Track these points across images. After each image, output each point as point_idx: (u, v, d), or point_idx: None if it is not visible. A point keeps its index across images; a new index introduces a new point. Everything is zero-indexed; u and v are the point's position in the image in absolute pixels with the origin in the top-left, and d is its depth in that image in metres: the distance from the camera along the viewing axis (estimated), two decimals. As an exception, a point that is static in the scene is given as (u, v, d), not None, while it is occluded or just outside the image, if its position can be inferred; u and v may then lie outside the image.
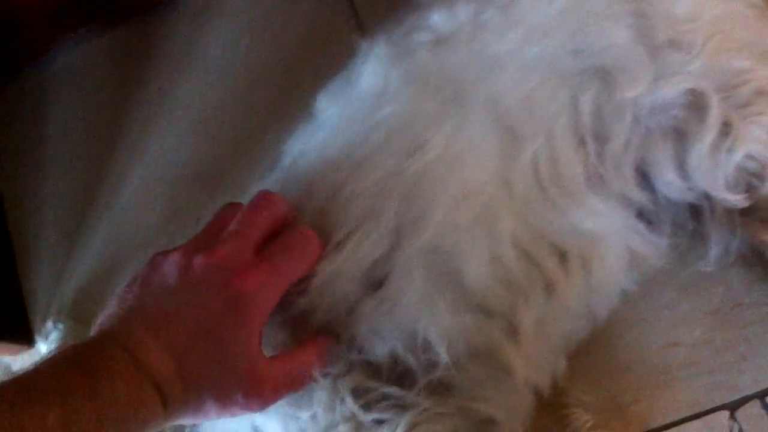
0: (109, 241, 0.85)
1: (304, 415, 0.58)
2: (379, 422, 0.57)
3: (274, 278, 0.52)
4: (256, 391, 0.50)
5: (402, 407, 0.58)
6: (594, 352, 0.69)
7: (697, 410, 0.66)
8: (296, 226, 0.56)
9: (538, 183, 0.58)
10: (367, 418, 0.57)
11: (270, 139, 0.82)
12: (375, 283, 0.57)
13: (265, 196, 0.56)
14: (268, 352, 0.54)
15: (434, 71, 0.60)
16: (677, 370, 0.68)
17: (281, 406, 0.57)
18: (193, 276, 0.50)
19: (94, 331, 0.49)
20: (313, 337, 0.56)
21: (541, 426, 0.66)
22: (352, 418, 0.57)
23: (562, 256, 0.60)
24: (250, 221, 0.54)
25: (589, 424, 0.67)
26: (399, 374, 0.59)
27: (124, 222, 0.85)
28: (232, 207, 0.58)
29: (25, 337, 0.83)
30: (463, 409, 0.59)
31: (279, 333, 0.59)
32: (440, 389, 0.59)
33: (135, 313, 0.49)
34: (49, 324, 0.84)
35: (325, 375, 0.58)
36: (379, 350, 0.58)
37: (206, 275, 0.50)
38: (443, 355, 0.57)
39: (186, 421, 0.51)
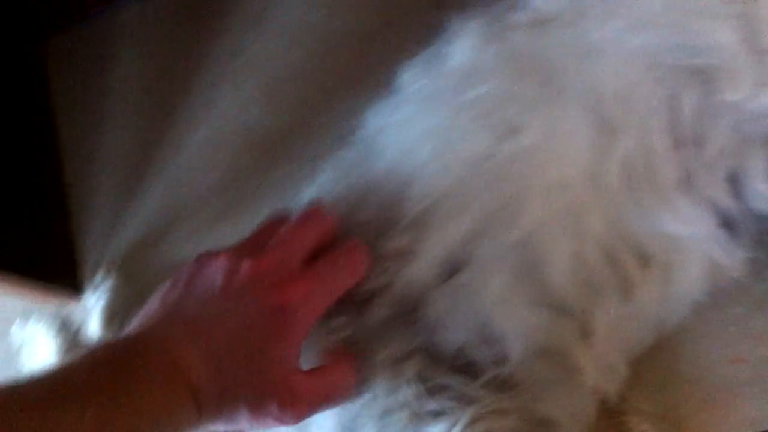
0: (165, 200, 0.83)
1: (362, 399, 0.55)
2: (440, 413, 0.54)
3: (319, 292, 0.51)
4: (291, 404, 0.48)
5: (464, 400, 0.55)
6: (656, 360, 0.66)
7: (755, 429, 0.63)
8: (346, 240, 0.54)
9: (628, 181, 0.55)
10: (428, 406, 0.54)
11: (339, 113, 0.78)
12: (453, 268, 0.53)
13: (316, 209, 0.55)
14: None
15: (531, 54, 0.57)
16: (739, 387, 0.64)
17: None
18: (237, 283, 0.49)
19: (132, 328, 0.48)
20: (348, 352, 0.54)
21: (597, 430, 0.62)
22: (413, 404, 0.55)
23: (643, 260, 0.57)
24: (300, 232, 0.53)
25: None
26: (461, 365, 0.57)
27: (182, 183, 0.82)
28: (280, 217, 0.56)
29: (73, 286, 0.81)
30: (526, 408, 0.56)
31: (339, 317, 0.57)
32: (504, 385, 0.56)
33: (176, 315, 0.48)
34: (98, 277, 0.81)
35: (388, 359, 0.55)
36: (448, 338, 0.55)
37: (251, 283, 0.49)
38: (515, 352, 0.55)
39: (218, 427, 0.49)
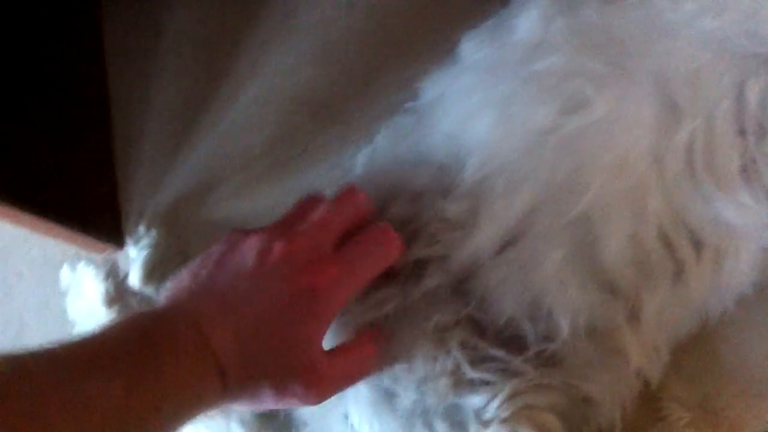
0: (212, 156, 0.82)
1: (400, 366, 0.54)
2: (481, 383, 0.54)
3: (348, 276, 0.50)
4: (314, 385, 0.48)
5: (506, 372, 0.54)
6: (697, 349, 0.66)
7: (794, 423, 0.60)
8: (378, 224, 0.54)
9: (690, 165, 0.54)
10: (470, 376, 0.53)
11: (393, 80, 0.77)
12: (510, 240, 0.52)
13: (350, 192, 0.55)
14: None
15: (601, 29, 0.55)
16: (777, 382, 0.61)
17: None
18: (269, 263, 0.49)
19: (164, 299, 0.48)
20: (369, 332, 0.54)
21: (632, 413, 0.61)
22: (454, 372, 0.54)
23: (698, 245, 0.56)
24: (333, 215, 0.53)
25: (684, 421, 0.64)
26: (506, 338, 0.56)
27: (229, 140, 0.82)
28: (314, 198, 0.55)
29: (115, 237, 0.80)
30: (568, 385, 0.56)
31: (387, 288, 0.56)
32: (548, 362, 0.56)
33: (207, 291, 0.48)
34: (141, 229, 0.80)
35: (434, 327, 0.54)
36: (497, 310, 0.54)
37: (283, 263, 0.49)
38: (564, 329, 0.54)
39: (241, 405, 0.49)
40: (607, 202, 0.52)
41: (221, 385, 0.45)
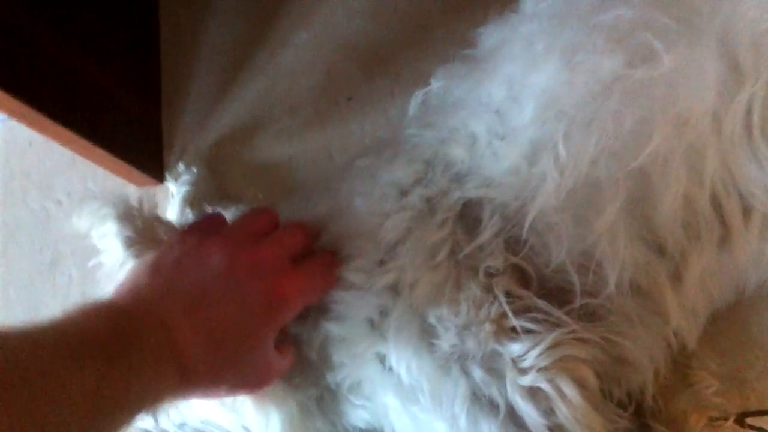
0: (258, 99, 0.80)
1: (444, 309, 0.52)
2: (524, 332, 0.52)
3: (309, 289, 0.54)
4: (265, 383, 0.52)
5: (548, 323, 0.52)
6: (729, 321, 0.63)
7: (821, 400, 0.58)
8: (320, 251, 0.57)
9: (747, 128, 0.52)
10: (515, 323, 0.51)
11: (443, 33, 0.75)
12: (571, 188, 0.49)
13: (299, 224, 0.58)
14: None
15: (670, -16, 0.52)
16: (809, 358, 0.59)
17: (413, 298, 0.53)
18: (238, 268, 0.50)
19: (123, 293, 0.48)
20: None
21: (662, 378, 0.60)
22: (498, 320, 0.52)
23: (746, 211, 0.54)
24: (289, 234, 0.56)
25: (712, 389, 0.62)
26: (549, 290, 0.54)
27: (276, 84, 0.80)
28: (266, 212, 0.58)
29: (156, 171, 0.79)
30: (607, 341, 0.54)
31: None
32: (590, 316, 0.54)
33: (172, 291, 0.48)
34: (182, 166, 0.78)
35: (483, 271, 0.53)
36: (546, 258, 0.52)
37: (252, 272, 0.50)
38: (611, 283, 0.52)
39: (192, 397, 0.50)
40: (666, 158, 0.50)
41: (182, 381, 0.45)
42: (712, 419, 0.60)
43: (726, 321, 0.63)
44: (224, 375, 0.49)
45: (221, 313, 0.48)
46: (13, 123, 0.84)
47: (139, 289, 0.48)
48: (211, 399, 0.53)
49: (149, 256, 0.51)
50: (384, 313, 0.55)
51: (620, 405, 0.56)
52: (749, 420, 0.59)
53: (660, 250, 0.53)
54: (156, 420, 0.59)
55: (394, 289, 0.54)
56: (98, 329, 0.41)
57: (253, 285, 0.50)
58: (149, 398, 0.42)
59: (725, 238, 0.54)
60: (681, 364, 0.62)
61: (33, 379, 0.35)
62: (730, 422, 0.60)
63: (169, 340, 0.45)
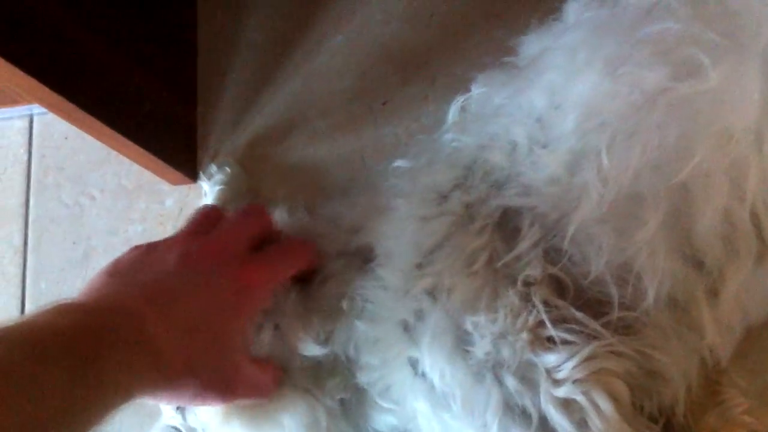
0: (292, 100, 0.80)
1: (480, 316, 0.52)
2: (561, 342, 0.51)
3: (269, 276, 0.53)
4: (233, 387, 0.50)
5: (585, 335, 0.52)
6: (760, 338, 0.61)
7: None
8: (291, 237, 0.57)
9: None
10: (552, 333, 0.50)
11: (481, 39, 0.74)
12: (613, 200, 0.49)
13: (256, 207, 0.57)
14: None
15: (718, 0, 0.51)
16: (839, 379, 0.58)
17: (449, 304, 0.53)
18: (192, 261, 0.50)
19: (85, 296, 0.47)
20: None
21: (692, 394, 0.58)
22: (534, 329, 0.51)
23: None
24: (243, 221, 0.55)
25: (742, 409, 0.60)
26: (588, 301, 0.53)
27: (311, 86, 0.79)
28: (214, 208, 0.57)
29: (189, 169, 0.79)
30: (642, 354, 0.53)
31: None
32: (627, 329, 0.53)
33: (133, 287, 0.47)
34: (214, 166, 0.78)
35: (522, 280, 0.52)
36: (585, 269, 0.51)
37: (211, 262, 0.50)
38: (650, 296, 0.51)
39: (160, 399, 0.49)
40: (708, 173, 0.49)
41: (158, 376, 0.44)
42: (741, 436, 0.58)
43: (757, 338, 0.61)
44: (199, 368, 0.48)
45: (185, 303, 0.48)
46: (49, 117, 0.85)
47: (100, 289, 0.48)
48: (171, 401, 0.52)
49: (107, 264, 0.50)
50: (419, 317, 0.54)
51: (651, 418, 0.55)
52: (780, 439, 0.58)
53: (698, 265, 0.52)
54: (184, 418, 0.59)
55: (431, 294, 0.53)
56: (68, 327, 0.41)
57: (214, 276, 0.50)
58: (124, 392, 0.42)
59: (763, 255, 0.53)
60: (711, 381, 0.60)
61: (6, 377, 0.34)
62: (761, 441, 0.58)
63: (138, 330, 0.44)
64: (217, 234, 0.53)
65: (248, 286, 0.51)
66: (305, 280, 0.60)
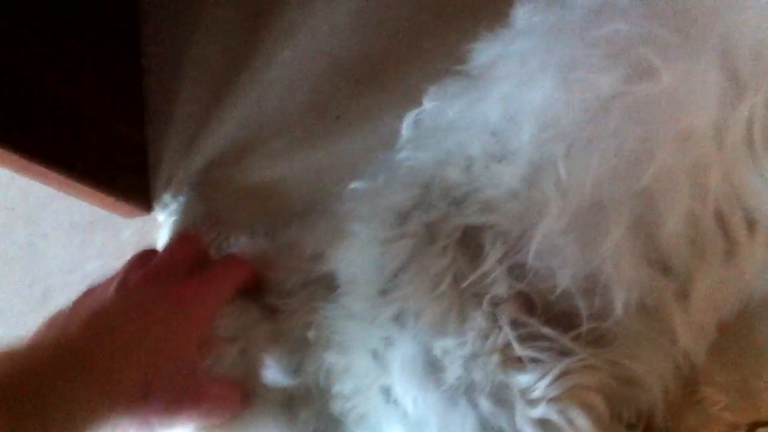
0: (245, 121, 0.78)
1: (449, 341, 0.51)
2: (531, 361, 0.50)
3: (207, 289, 0.54)
4: (199, 402, 0.51)
5: (556, 351, 0.51)
6: (733, 332, 0.61)
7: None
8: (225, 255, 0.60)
9: (749, 142, 0.50)
10: (522, 352, 0.49)
11: (432, 46, 0.72)
12: (574, 212, 0.48)
13: (186, 234, 0.61)
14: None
15: (667, -5, 0.50)
16: (817, 364, 0.57)
17: (417, 329, 0.52)
18: (131, 288, 0.52)
19: (32, 339, 0.47)
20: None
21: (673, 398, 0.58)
22: (504, 350, 0.50)
23: (751, 225, 0.52)
24: (177, 248, 0.57)
25: (720, 405, 0.60)
26: (555, 316, 0.52)
27: (263, 104, 0.78)
28: (148, 249, 0.59)
29: (142, 200, 0.76)
30: (615, 364, 0.52)
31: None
32: (598, 340, 0.52)
33: (74, 322, 0.47)
34: (167, 195, 0.76)
35: (488, 300, 0.51)
36: (552, 284, 0.50)
37: (143, 286, 0.52)
38: (618, 305, 0.50)
39: (130, 428, 0.48)
40: (670, 176, 0.48)
41: (113, 403, 0.44)
42: (721, 433, 0.57)
43: (730, 332, 0.60)
44: (157, 388, 0.47)
45: (123, 328, 0.48)
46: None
47: (38, 334, 0.48)
48: (151, 426, 0.49)
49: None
50: (388, 345, 0.53)
51: (629, 425, 0.54)
52: (760, 430, 0.57)
53: (665, 269, 0.51)
54: None
55: (398, 320, 0.52)
56: (4, 375, 0.40)
57: (149, 296, 0.51)
58: (79, 429, 0.41)
59: (730, 252, 0.52)
60: (688, 380, 0.60)
61: None
62: (742, 434, 0.57)
63: (80, 363, 0.43)
64: (153, 263, 0.55)
65: (184, 302, 0.51)
66: (273, 310, 0.59)
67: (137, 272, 0.53)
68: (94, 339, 0.46)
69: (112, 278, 0.53)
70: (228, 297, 0.56)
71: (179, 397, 0.50)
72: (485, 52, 0.57)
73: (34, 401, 0.39)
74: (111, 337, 0.47)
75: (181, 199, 0.75)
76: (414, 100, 0.64)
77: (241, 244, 0.65)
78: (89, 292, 0.53)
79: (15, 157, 0.59)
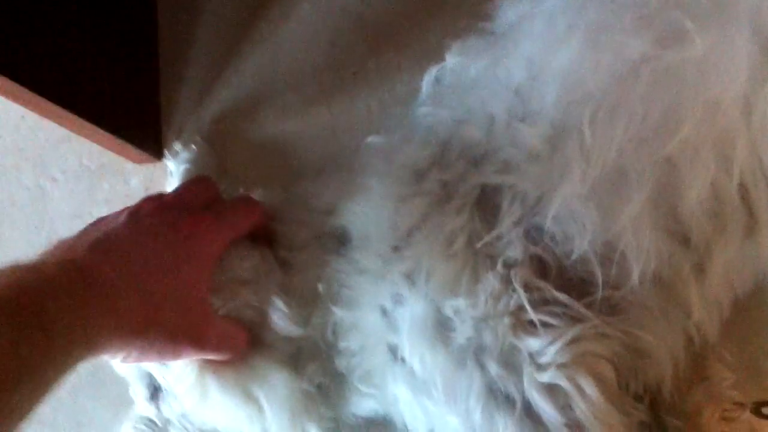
0: (259, 74, 0.76)
1: (460, 301, 0.50)
2: (542, 325, 0.49)
3: (219, 226, 0.53)
4: (204, 335, 0.50)
5: (568, 317, 0.50)
6: (745, 309, 0.60)
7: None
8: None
9: None
10: (534, 316, 0.49)
11: (453, 6, 0.70)
12: (597, 176, 0.47)
13: (201, 176, 0.60)
14: None
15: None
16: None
17: (428, 288, 0.51)
18: (142, 216, 0.51)
19: (40, 255, 0.46)
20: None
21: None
22: (516, 313, 0.49)
23: None
24: (192, 187, 0.57)
25: (727, 382, 0.59)
26: (568, 282, 0.51)
27: (278, 57, 0.76)
28: (164, 192, 0.58)
29: (153, 147, 0.75)
30: (627, 334, 0.51)
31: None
32: (612, 309, 0.51)
33: (81, 243, 0.47)
34: (179, 144, 0.75)
35: (502, 262, 0.50)
36: (568, 249, 0.50)
37: (155, 216, 0.51)
38: (635, 275, 0.49)
39: (134, 356, 0.47)
40: (695, 146, 0.47)
41: (117, 324, 0.44)
42: (726, 410, 0.57)
43: (742, 309, 0.60)
44: (163, 316, 0.47)
45: (132, 252, 0.48)
46: (3, 97, 0.80)
47: (47, 251, 0.47)
48: (157, 353, 0.49)
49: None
50: (397, 302, 0.52)
51: (636, 398, 0.54)
52: (765, 410, 0.57)
53: (684, 241, 0.50)
54: (158, 408, 0.57)
55: (409, 278, 0.51)
56: (6, 286, 0.39)
57: (161, 226, 0.50)
58: (81, 345, 0.41)
59: (751, 228, 0.52)
60: (697, 356, 0.59)
61: None
62: (747, 413, 0.57)
63: (86, 278, 0.43)
64: (167, 197, 0.55)
65: (194, 234, 0.51)
66: (284, 262, 0.58)
67: (150, 204, 0.53)
68: (100, 259, 0.45)
69: (124, 209, 0.53)
70: (239, 236, 0.56)
71: (184, 328, 0.49)
72: (511, 10, 0.56)
73: (36, 314, 0.38)
74: (118, 259, 0.46)
75: (192, 148, 0.74)
76: (433, 58, 0.63)
77: (254, 195, 0.64)
78: (99, 220, 0.53)
79: (32, 96, 0.59)
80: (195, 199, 0.56)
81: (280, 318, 0.54)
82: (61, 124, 0.65)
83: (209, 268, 0.52)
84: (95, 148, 0.76)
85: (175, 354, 0.50)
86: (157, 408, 0.58)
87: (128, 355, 0.47)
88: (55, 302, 0.40)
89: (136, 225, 0.50)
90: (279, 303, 0.54)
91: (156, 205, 0.53)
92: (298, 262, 0.57)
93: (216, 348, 0.52)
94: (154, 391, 0.58)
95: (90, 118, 0.66)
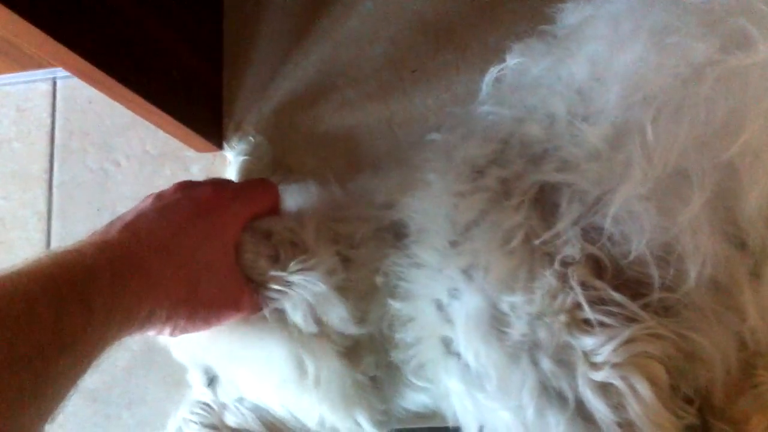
0: (320, 67, 0.78)
1: (517, 297, 0.50)
2: (599, 325, 0.49)
3: (238, 202, 0.55)
4: (240, 300, 0.53)
5: (623, 317, 0.50)
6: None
7: None
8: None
9: None
10: (590, 315, 0.49)
11: (516, 8, 0.71)
12: (658, 177, 0.47)
13: (267, 180, 0.61)
14: None
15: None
16: None
17: (485, 283, 0.51)
18: (167, 197, 0.53)
19: (79, 242, 0.47)
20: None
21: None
22: (572, 311, 0.49)
23: None
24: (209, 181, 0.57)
25: None
26: (624, 282, 0.51)
27: (339, 53, 0.77)
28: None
29: (214, 137, 0.77)
30: (681, 337, 0.51)
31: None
32: (667, 311, 0.51)
33: (120, 223, 0.49)
34: (238, 135, 0.76)
35: (560, 260, 0.50)
36: (626, 249, 0.49)
37: (179, 194, 0.53)
38: (692, 277, 0.48)
39: (174, 328, 0.49)
40: (756, 151, 0.47)
41: (156, 296, 0.46)
42: (775, 421, 0.57)
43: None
44: (197, 283, 0.50)
45: (157, 226, 0.49)
46: (73, 81, 0.83)
47: (77, 242, 0.48)
48: (202, 320, 0.52)
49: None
50: (454, 296, 0.53)
51: (686, 400, 0.53)
52: (814, 421, 0.56)
53: (741, 246, 0.50)
54: (215, 393, 0.58)
55: (467, 273, 0.52)
56: (48, 265, 0.41)
57: (184, 204, 0.53)
58: (121, 318, 0.43)
59: (808, 237, 0.49)
60: (746, 363, 0.58)
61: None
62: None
63: (122, 254, 0.45)
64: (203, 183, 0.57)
65: (210, 209, 0.53)
66: (345, 259, 0.59)
67: (176, 185, 0.55)
68: (133, 238, 0.47)
69: (150, 195, 0.54)
70: (259, 212, 0.58)
71: (223, 294, 0.52)
72: (575, 12, 0.56)
73: (76, 289, 0.40)
74: (147, 235, 0.48)
75: (250, 141, 0.76)
76: (491, 60, 0.63)
77: (310, 190, 0.65)
78: (138, 204, 0.54)
79: (105, 78, 0.61)
80: (218, 183, 0.57)
81: (340, 319, 0.55)
82: (130, 108, 0.67)
83: (234, 239, 0.54)
84: (159, 135, 0.78)
85: (219, 319, 0.52)
86: (214, 393, 0.60)
87: (175, 326, 0.49)
88: (94, 278, 0.42)
89: (160, 202, 0.52)
90: (338, 304, 0.55)
91: (175, 185, 0.55)
92: (358, 257, 0.58)
93: (250, 309, 0.54)
94: (212, 377, 0.59)
95: (158, 104, 0.68)
